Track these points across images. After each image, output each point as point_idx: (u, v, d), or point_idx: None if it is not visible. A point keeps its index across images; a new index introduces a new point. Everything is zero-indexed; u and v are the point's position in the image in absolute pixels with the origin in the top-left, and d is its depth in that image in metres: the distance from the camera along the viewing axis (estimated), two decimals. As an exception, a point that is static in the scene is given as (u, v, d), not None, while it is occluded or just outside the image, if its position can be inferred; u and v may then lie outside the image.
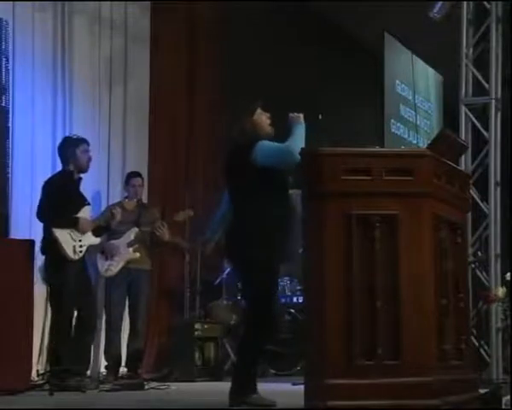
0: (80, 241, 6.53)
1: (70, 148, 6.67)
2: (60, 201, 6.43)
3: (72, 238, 6.48)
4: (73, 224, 6.49)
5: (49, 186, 6.56)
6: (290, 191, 5.00)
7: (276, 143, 4.81)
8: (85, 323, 6.62)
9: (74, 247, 6.48)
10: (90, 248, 6.74)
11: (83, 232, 6.53)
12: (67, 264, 6.42)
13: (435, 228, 3.97)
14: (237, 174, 4.91)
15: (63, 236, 6.43)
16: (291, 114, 4.90)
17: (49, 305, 6.56)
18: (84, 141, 6.74)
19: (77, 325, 6.52)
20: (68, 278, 6.38)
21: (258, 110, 4.97)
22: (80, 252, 6.53)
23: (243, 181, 4.87)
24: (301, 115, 4.89)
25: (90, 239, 6.66)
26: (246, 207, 4.85)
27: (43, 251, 6.52)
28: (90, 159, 6.72)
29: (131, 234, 7.20)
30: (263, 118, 4.97)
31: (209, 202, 7.48)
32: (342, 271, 3.83)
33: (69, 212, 6.51)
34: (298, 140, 4.73)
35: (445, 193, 4.12)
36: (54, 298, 6.41)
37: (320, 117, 5.11)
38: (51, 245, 6.40)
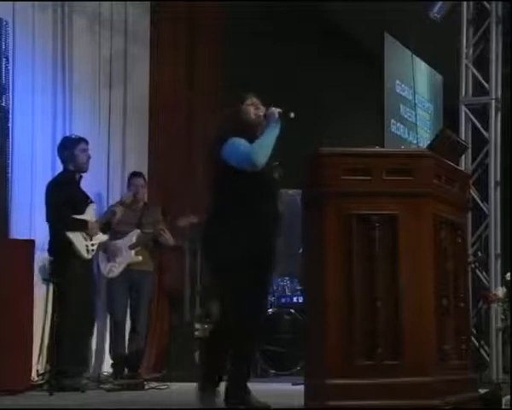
0: (91, 239, 6.60)
1: (68, 148, 6.66)
2: (66, 201, 6.46)
3: (84, 238, 6.54)
4: (83, 227, 6.53)
5: (52, 188, 6.57)
6: (281, 191, 4.72)
7: (242, 144, 4.45)
8: (87, 323, 6.64)
9: (87, 246, 6.55)
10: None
11: (92, 235, 6.58)
12: (77, 264, 6.46)
13: (435, 228, 3.97)
14: (210, 168, 4.69)
15: (76, 237, 6.48)
16: (269, 109, 4.57)
17: (49, 305, 6.56)
18: (82, 140, 6.73)
19: (79, 326, 6.52)
20: (77, 278, 6.42)
21: (249, 100, 4.64)
22: (92, 251, 6.62)
23: (214, 176, 4.63)
24: (276, 112, 4.54)
25: (99, 236, 6.73)
26: (217, 205, 4.60)
27: (51, 252, 6.51)
28: (88, 158, 6.71)
29: (133, 236, 7.18)
30: (251, 109, 4.63)
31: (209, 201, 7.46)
32: (342, 271, 3.82)
33: (76, 212, 6.54)
34: (264, 146, 4.46)
35: (445, 193, 4.11)
36: (62, 298, 6.40)
37: (292, 115, 4.57)
38: (63, 246, 6.41)
